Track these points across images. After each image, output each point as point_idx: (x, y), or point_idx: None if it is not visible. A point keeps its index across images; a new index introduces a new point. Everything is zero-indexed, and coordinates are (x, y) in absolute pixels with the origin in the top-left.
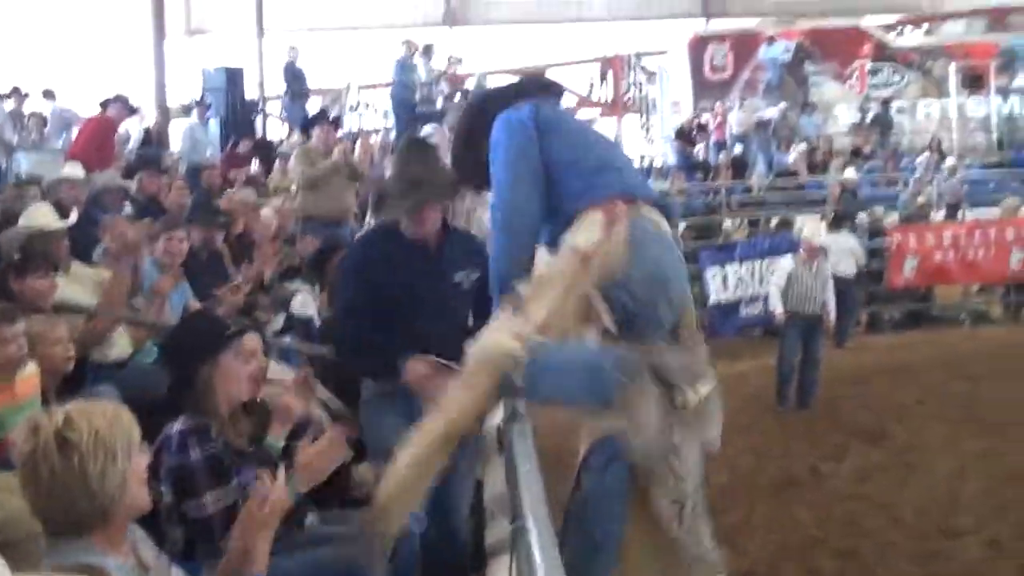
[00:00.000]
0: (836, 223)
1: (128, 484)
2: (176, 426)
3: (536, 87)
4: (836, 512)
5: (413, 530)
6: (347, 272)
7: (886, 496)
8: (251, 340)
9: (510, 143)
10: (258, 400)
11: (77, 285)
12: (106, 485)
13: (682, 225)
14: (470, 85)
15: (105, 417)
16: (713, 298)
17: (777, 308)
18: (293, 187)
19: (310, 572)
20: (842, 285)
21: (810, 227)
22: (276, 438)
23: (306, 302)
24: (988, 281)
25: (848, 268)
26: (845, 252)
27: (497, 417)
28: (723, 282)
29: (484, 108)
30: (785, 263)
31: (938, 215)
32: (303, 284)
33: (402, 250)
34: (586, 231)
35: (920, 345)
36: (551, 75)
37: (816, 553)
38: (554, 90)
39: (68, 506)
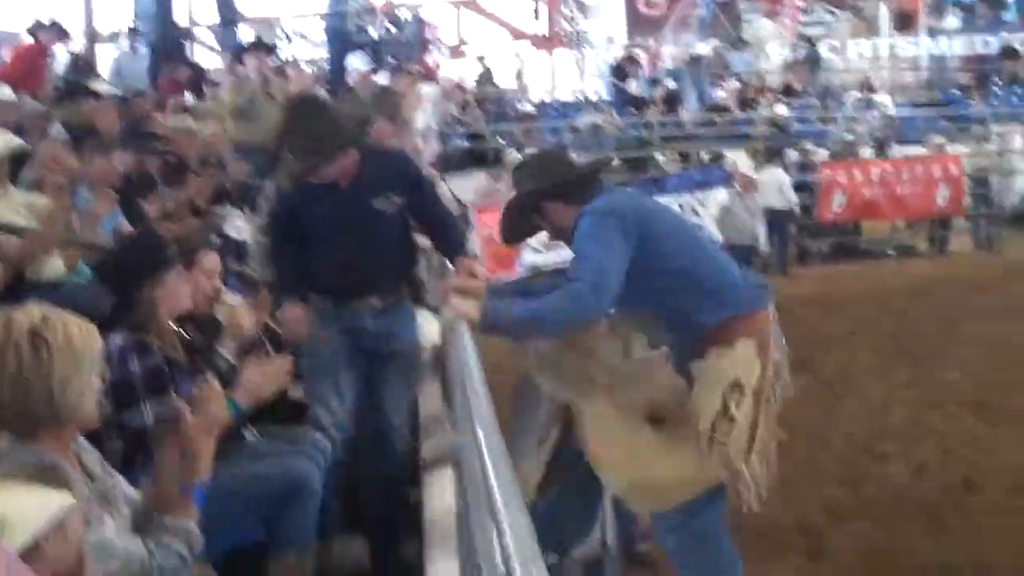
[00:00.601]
0: (767, 158)
1: (85, 397)
2: (116, 341)
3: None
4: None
5: (333, 435)
6: (269, 222)
7: (814, 422)
8: (211, 259)
9: (613, 226)
10: (211, 314)
11: (9, 206)
12: (67, 392)
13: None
14: (404, 15)
15: (79, 328)
16: None
17: (721, 236)
18: (225, 114)
19: (249, 484)
20: (776, 218)
21: (743, 161)
22: (226, 352)
23: (239, 226)
24: (914, 216)
25: (780, 201)
26: (776, 186)
27: (435, 336)
28: None
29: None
30: (719, 195)
31: (867, 152)
32: (234, 209)
33: (313, 191)
34: (744, 364)
35: (848, 278)
36: (485, 7)
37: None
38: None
39: (25, 404)
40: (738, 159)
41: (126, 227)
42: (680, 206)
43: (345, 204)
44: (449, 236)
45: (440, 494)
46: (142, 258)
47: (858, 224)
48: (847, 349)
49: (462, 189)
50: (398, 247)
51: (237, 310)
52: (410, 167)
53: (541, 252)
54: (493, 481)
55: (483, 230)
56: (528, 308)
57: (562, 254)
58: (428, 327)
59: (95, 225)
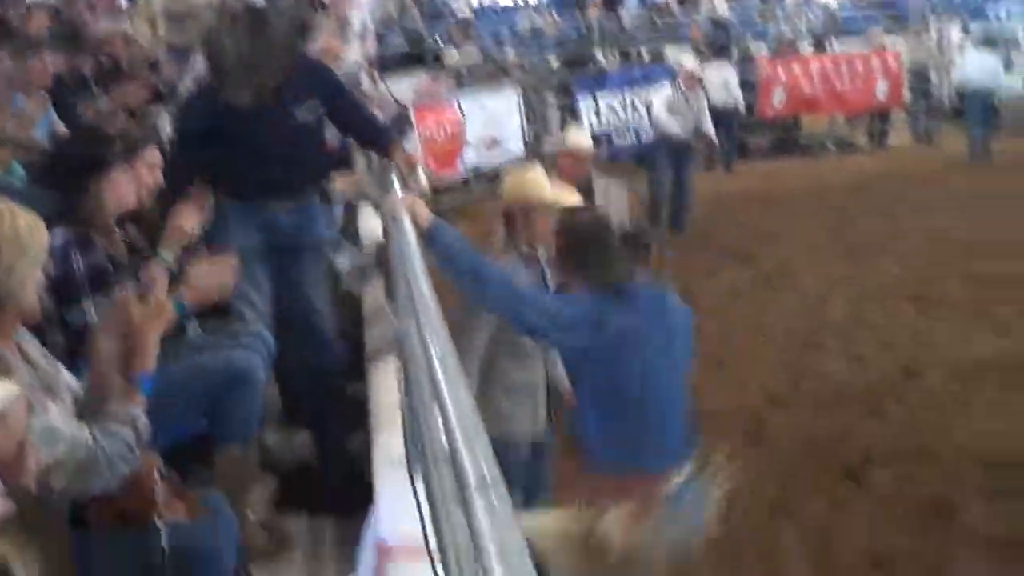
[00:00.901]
0: (714, 53)
1: (27, 287)
2: (58, 237)
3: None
4: (707, 329)
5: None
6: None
7: (755, 314)
8: (152, 154)
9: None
10: (155, 214)
11: None
12: (11, 279)
13: (554, 60)
14: None
15: (28, 221)
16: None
17: (672, 128)
18: (157, 16)
19: (192, 376)
20: (721, 115)
21: (687, 59)
22: (168, 252)
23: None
24: (854, 111)
25: (728, 98)
26: (722, 83)
27: (378, 233)
28: (595, 112)
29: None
30: (665, 90)
31: (807, 48)
32: (168, 111)
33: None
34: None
35: (789, 173)
36: None
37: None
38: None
39: None
40: (683, 58)
41: (61, 129)
42: (621, 102)
43: (269, 115)
44: (376, 134)
45: (385, 384)
46: (88, 153)
47: (798, 119)
48: (787, 243)
49: (402, 89)
50: (317, 154)
51: (178, 211)
52: (330, 75)
53: (482, 152)
54: (436, 362)
55: (423, 130)
56: (483, 264)
57: (499, 155)
58: (370, 223)
59: (29, 127)
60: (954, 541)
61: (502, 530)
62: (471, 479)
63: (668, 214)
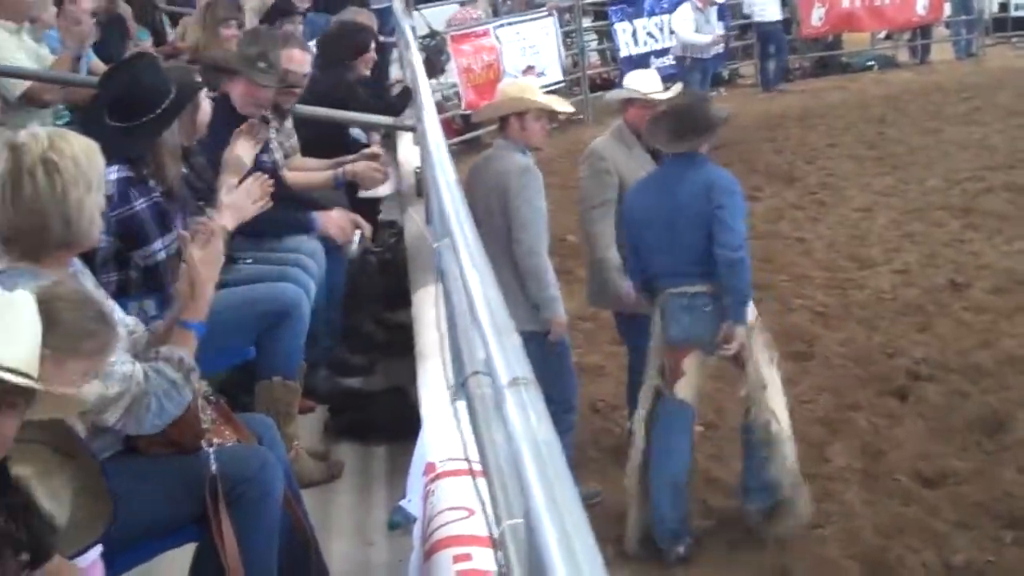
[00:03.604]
0: None
1: (96, 220)
2: (112, 174)
3: None
4: (753, 249)
5: None
6: None
7: (799, 232)
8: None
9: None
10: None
11: (28, 54)
12: (83, 214)
13: None
14: None
15: (83, 148)
16: (624, 52)
17: (703, 39)
18: None
19: (240, 308)
20: (767, 30)
21: None
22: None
23: None
24: (895, 27)
25: (773, 13)
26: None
27: (415, 162)
28: (633, 36)
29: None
30: (684, 11)
31: None
32: None
33: None
34: None
35: (830, 91)
36: None
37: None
38: None
39: (42, 228)
40: None
41: (99, 66)
42: (658, 25)
43: None
44: None
45: (429, 310)
46: (148, 91)
47: (839, 38)
48: (830, 160)
49: (437, 19)
50: None
51: (235, 143)
52: None
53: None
54: (469, 273)
55: (461, 60)
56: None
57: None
58: (409, 152)
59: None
60: (1004, 456)
61: (535, 429)
62: (503, 381)
63: None
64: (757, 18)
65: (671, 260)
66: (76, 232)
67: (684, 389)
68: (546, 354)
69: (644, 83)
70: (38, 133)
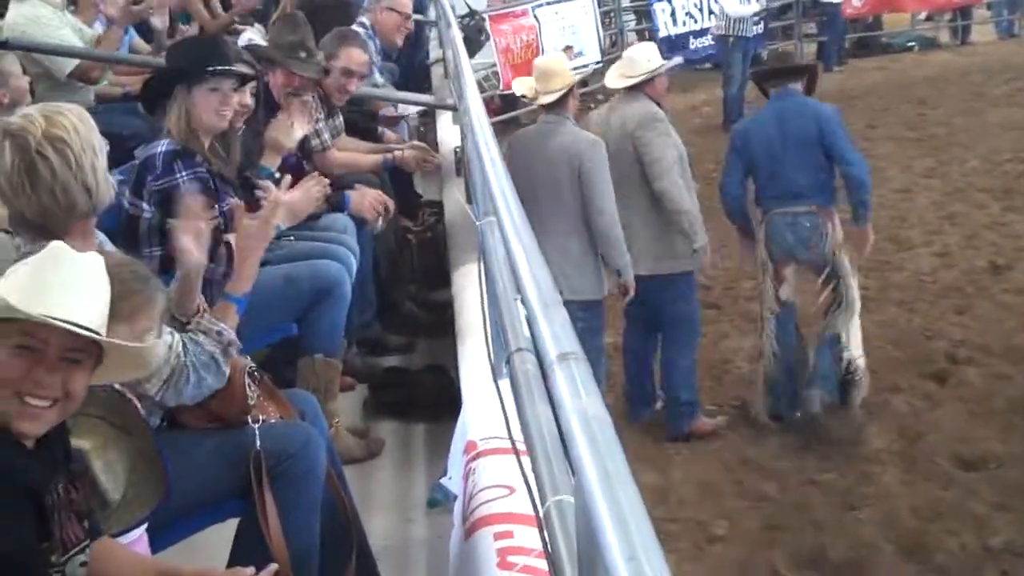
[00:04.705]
0: None
1: (108, 177)
2: (160, 147)
3: None
4: None
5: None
6: None
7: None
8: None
9: None
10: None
11: (73, 32)
12: (99, 178)
13: None
14: None
15: (78, 115)
16: (663, 32)
17: (749, 9)
18: None
19: (283, 285)
20: (828, 10)
21: None
22: (270, 166)
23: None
24: (936, 7)
25: None
26: None
27: (455, 141)
28: (671, 16)
29: None
30: None
31: None
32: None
33: None
34: None
35: (870, 72)
36: None
37: None
38: None
39: (70, 204)
40: None
41: (141, 44)
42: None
43: None
44: None
45: (469, 290)
46: (185, 66)
47: (879, 18)
48: (870, 140)
49: None
50: None
51: (278, 124)
52: None
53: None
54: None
55: (499, 39)
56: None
57: (576, 63)
58: (449, 131)
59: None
60: None
61: (585, 404)
62: (552, 356)
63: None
64: None
65: (779, 183)
66: (98, 197)
67: (787, 291)
68: (594, 320)
69: (652, 55)
70: (30, 114)
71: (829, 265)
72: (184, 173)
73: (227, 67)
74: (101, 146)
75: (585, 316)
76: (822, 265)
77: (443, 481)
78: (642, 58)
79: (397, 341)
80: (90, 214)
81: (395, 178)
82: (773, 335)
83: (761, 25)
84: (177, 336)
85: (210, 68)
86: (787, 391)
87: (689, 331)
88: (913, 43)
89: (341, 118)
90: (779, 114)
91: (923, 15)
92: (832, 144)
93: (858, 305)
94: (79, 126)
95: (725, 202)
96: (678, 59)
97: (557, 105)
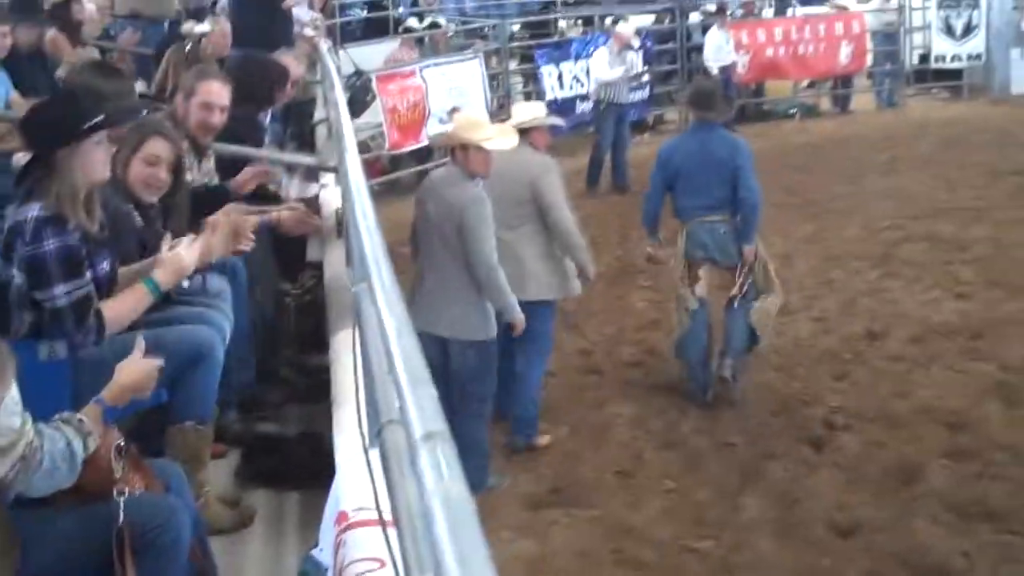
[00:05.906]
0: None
1: None
2: (32, 212)
3: None
4: (672, 296)
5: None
6: None
7: None
8: (157, 147)
9: None
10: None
11: None
12: None
13: (517, 26)
14: None
15: None
16: (549, 95)
17: (614, 73)
18: None
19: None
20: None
21: (622, 25)
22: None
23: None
24: (818, 75)
25: (726, 59)
26: (713, 48)
27: (337, 202)
28: (558, 80)
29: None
30: (600, 54)
31: (768, 12)
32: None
33: None
34: None
35: (751, 138)
36: None
37: (652, 335)
38: None
39: None
40: (619, 26)
41: (17, 99)
42: (583, 71)
43: None
44: None
45: (346, 355)
46: (61, 119)
47: (761, 85)
48: None
49: (367, 58)
50: None
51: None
52: None
53: (446, 122)
54: (386, 319)
55: (386, 100)
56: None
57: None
58: (331, 192)
59: None
60: (917, 505)
61: (448, 486)
62: (417, 435)
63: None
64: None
65: (698, 197)
66: None
67: (701, 289)
68: (484, 359)
69: (536, 111)
70: None
71: (740, 261)
72: (51, 240)
73: (101, 117)
74: None
75: (471, 354)
76: (736, 264)
77: (314, 552)
78: (528, 110)
79: (273, 404)
80: None
81: (282, 239)
82: (688, 330)
83: (647, 90)
84: (30, 421)
85: (86, 126)
86: (702, 377)
87: (544, 347)
88: (795, 110)
89: (212, 162)
90: (702, 139)
91: (805, 83)
92: (739, 168)
93: (777, 284)
94: None
95: (646, 211)
96: (559, 120)
97: (453, 157)
